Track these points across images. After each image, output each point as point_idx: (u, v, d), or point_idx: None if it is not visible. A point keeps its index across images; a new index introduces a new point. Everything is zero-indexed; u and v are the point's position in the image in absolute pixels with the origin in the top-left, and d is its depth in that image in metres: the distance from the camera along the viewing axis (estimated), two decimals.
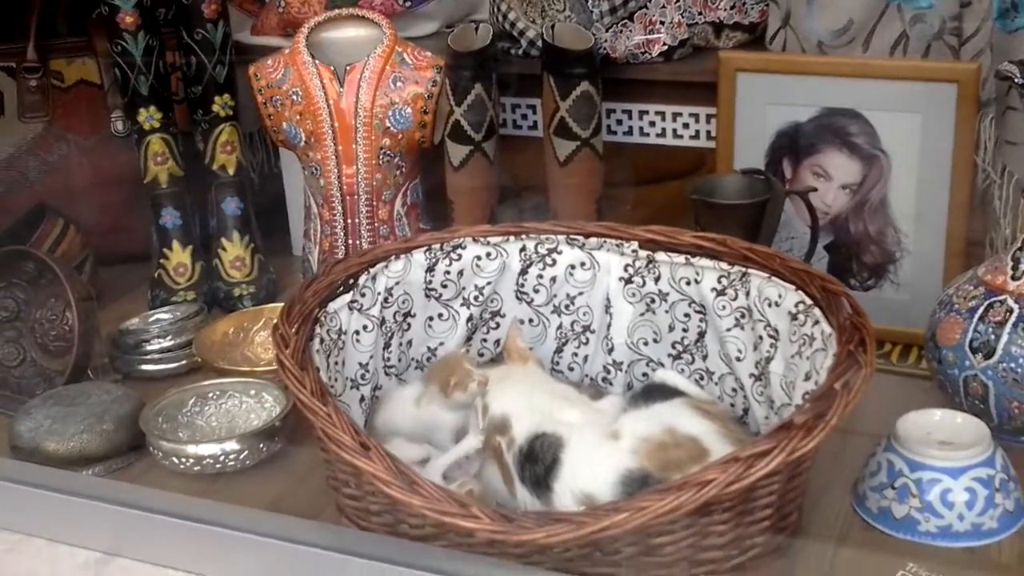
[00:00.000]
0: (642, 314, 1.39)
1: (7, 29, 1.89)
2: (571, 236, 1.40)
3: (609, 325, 1.40)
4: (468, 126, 1.72)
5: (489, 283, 1.40)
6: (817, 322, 1.19)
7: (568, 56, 1.67)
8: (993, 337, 1.26)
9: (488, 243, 1.40)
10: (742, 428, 1.29)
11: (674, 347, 1.38)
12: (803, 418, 1.02)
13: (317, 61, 1.64)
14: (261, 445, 1.36)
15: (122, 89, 1.78)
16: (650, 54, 1.76)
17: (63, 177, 1.91)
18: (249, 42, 1.99)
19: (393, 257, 1.37)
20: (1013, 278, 1.29)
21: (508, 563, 1.08)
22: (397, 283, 1.37)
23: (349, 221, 1.67)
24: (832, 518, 1.22)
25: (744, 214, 1.46)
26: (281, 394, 1.43)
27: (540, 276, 1.40)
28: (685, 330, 1.37)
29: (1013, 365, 1.25)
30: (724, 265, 1.32)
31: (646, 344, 1.40)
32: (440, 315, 1.41)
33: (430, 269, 1.38)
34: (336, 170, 1.65)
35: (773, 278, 1.27)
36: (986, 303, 1.29)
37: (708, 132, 1.77)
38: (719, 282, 1.32)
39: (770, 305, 1.27)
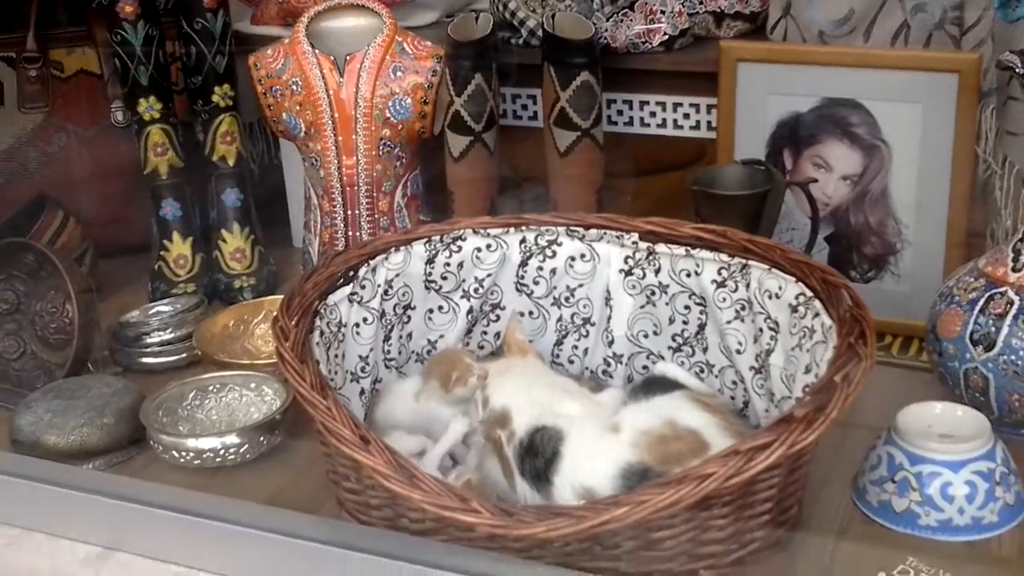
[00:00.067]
0: (642, 306, 1.38)
1: (7, 19, 1.88)
2: (571, 228, 1.39)
3: (609, 317, 1.40)
4: (468, 116, 1.71)
5: (489, 275, 1.40)
6: (817, 314, 1.19)
7: (568, 46, 1.67)
8: (994, 329, 1.26)
9: (488, 235, 1.39)
10: (742, 421, 1.28)
11: (674, 339, 1.38)
12: (803, 411, 1.01)
13: (317, 51, 1.63)
14: (261, 439, 1.36)
15: (122, 79, 1.77)
16: (651, 44, 1.75)
17: (63, 168, 1.91)
18: (249, 32, 1.98)
19: (393, 249, 1.37)
20: (1014, 270, 1.28)
21: (508, 557, 1.08)
22: (397, 275, 1.37)
23: (349, 212, 1.67)
24: (832, 512, 1.22)
25: (744, 205, 1.45)
26: (281, 387, 1.43)
27: (540, 268, 1.40)
28: (685, 322, 1.36)
29: (1014, 357, 1.25)
30: (724, 257, 1.31)
31: (646, 336, 1.39)
32: (440, 307, 1.41)
33: (430, 261, 1.38)
34: (336, 161, 1.65)
35: (773, 270, 1.27)
36: (987, 295, 1.28)
37: (709, 122, 1.76)
38: (719, 274, 1.31)
39: (770, 297, 1.26)
